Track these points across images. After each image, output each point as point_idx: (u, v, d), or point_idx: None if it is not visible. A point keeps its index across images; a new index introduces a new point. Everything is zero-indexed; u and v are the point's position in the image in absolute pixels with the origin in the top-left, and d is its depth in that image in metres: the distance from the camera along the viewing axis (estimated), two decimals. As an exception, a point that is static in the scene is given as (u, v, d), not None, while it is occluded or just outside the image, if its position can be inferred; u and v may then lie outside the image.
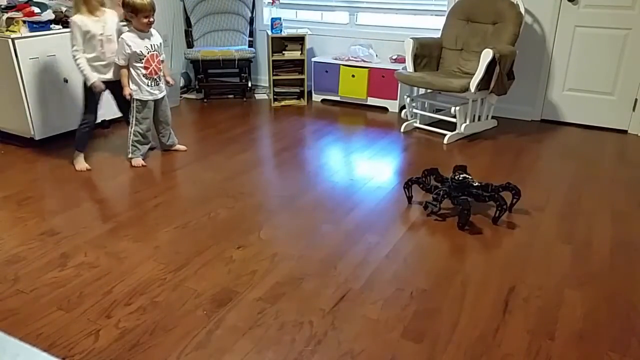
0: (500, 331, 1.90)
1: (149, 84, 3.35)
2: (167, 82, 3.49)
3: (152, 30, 3.36)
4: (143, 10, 3.20)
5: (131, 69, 3.29)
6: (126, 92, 3.29)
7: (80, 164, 3.37)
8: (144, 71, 3.30)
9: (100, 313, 1.98)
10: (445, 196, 2.71)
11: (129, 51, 3.22)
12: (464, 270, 2.28)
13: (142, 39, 3.28)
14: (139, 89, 3.32)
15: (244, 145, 3.85)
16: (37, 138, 3.66)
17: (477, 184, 2.75)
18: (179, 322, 1.94)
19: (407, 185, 2.88)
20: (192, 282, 2.18)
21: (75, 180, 3.21)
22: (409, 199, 2.90)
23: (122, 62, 3.26)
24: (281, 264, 2.31)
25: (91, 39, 3.19)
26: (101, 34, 3.20)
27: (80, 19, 3.13)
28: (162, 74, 3.43)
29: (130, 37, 3.24)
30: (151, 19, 3.25)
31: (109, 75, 3.31)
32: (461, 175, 2.78)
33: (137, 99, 3.34)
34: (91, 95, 3.29)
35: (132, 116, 3.39)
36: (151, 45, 3.32)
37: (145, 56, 3.29)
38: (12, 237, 2.54)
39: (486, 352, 1.79)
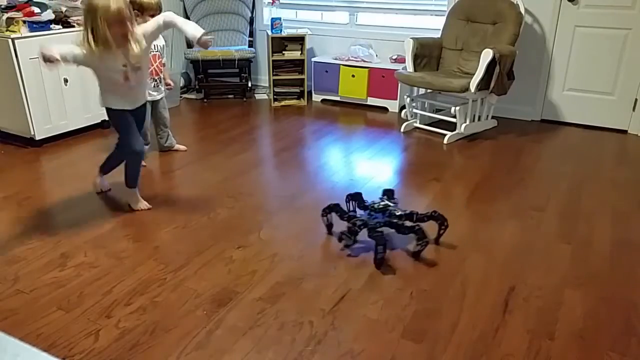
0: (500, 331, 1.89)
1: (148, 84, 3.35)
2: (167, 85, 3.49)
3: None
4: (149, 8, 3.18)
5: None
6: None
7: (140, 203, 2.85)
8: None
9: (100, 313, 1.98)
10: (362, 227, 2.37)
11: None
12: (463, 270, 2.28)
13: None
14: None
15: (244, 145, 3.85)
16: (37, 138, 3.66)
17: (399, 213, 2.44)
18: (179, 322, 1.94)
19: (325, 213, 2.55)
20: (192, 282, 2.18)
21: (75, 180, 3.21)
22: (328, 227, 2.57)
23: None
24: (281, 264, 2.31)
25: (109, 72, 2.52)
26: (124, 65, 2.49)
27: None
28: (162, 76, 3.44)
29: None
30: None
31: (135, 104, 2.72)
32: (381, 203, 2.50)
33: None
34: (120, 118, 2.65)
35: None
36: (154, 46, 3.32)
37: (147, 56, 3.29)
38: (12, 237, 2.54)
39: (486, 352, 1.79)
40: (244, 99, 5.10)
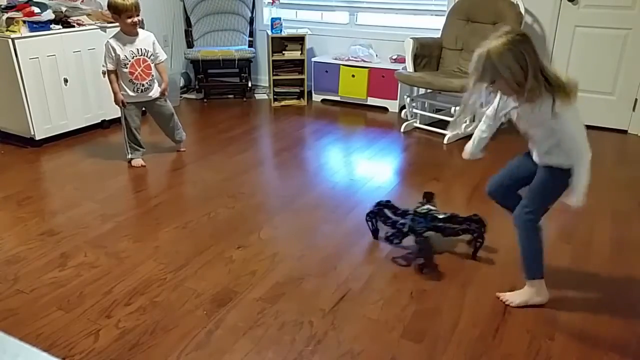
0: (500, 331, 1.89)
1: (134, 89, 3.28)
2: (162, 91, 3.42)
3: (142, 34, 3.28)
4: (125, 10, 3.11)
5: (119, 73, 3.25)
6: (117, 99, 3.26)
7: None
8: (129, 76, 3.25)
9: (100, 313, 1.98)
10: (409, 232, 2.36)
11: (113, 54, 3.18)
12: (464, 270, 2.28)
13: (127, 43, 3.21)
14: (125, 93, 3.28)
15: (244, 145, 3.85)
16: (37, 138, 3.66)
17: (442, 216, 2.41)
18: (179, 322, 1.94)
19: (370, 218, 2.52)
20: (192, 282, 2.18)
21: (75, 180, 3.21)
22: (374, 232, 2.54)
23: (110, 67, 3.21)
24: (281, 264, 2.31)
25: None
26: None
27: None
28: (150, 79, 3.33)
29: (114, 42, 3.19)
30: (135, 19, 3.16)
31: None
32: (424, 207, 2.48)
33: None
34: None
35: (122, 117, 3.36)
36: (137, 49, 3.25)
37: (130, 61, 3.23)
38: (12, 237, 2.54)
39: (486, 352, 1.79)
40: (244, 99, 5.10)
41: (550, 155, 1.94)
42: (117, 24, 3.27)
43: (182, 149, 3.69)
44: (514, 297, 2.03)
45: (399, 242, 2.40)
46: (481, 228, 2.35)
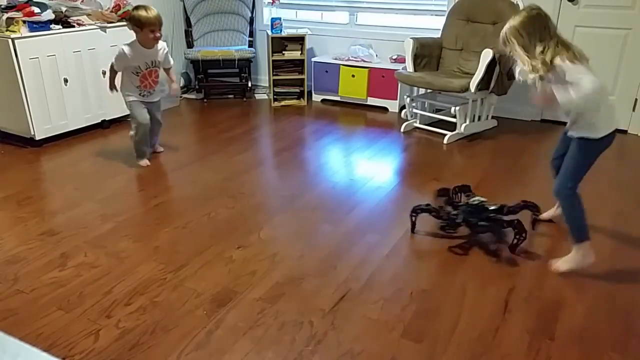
0: (500, 331, 1.89)
1: (140, 93, 3.30)
2: (172, 91, 3.48)
3: (159, 45, 3.26)
4: (149, 24, 3.08)
5: (127, 75, 3.25)
6: (110, 85, 3.29)
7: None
8: (138, 83, 3.26)
9: (100, 313, 1.98)
10: (463, 223, 2.45)
11: (125, 62, 3.18)
12: (464, 270, 2.28)
13: (143, 55, 3.20)
14: (130, 93, 3.29)
15: (244, 145, 3.85)
16: (37, 138, 3.66)
17: (493, 207, 2.47)
18: (179, 322, 1.94)
19: (415, 214, 2.55)
20: (192, 282, 2.18)
21: (75, 180, 3.21)
22: (412, 226, 2.57)
23: (117, 69, 3.22)
24: (281, 264, 2.31)
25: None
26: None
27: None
28: (156, 86, 3.36)
29: (129, 51, 3.17)
30: (157, 34, 3.14)
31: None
32: (475, 198, 2.56)
33: (129, 101, 3.30)
34: None
35: (131, 121, 3.37)
36: (152, 61, 3.25)
37: (142, 71, 3.23)
38: (12, 237, 2.54)
39: (486, 352, 1.79)
40: (244, 99, 5.10)
41: (577, 127, 2.14)
42: (116, 23, 3.25)
43: (160, 150, 3.65)
44: (563, 265, 2.20)
45: (453, 232, 2.50)
46: (535, 209, 2.53)
